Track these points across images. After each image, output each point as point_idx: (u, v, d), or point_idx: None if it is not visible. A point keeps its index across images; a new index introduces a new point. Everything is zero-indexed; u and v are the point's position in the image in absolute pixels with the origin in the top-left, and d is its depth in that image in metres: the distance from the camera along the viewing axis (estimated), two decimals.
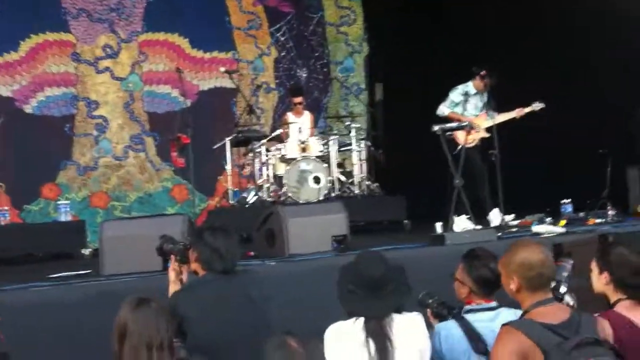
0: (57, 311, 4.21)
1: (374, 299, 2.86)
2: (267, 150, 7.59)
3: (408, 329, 2.87)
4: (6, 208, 7.33)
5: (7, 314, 3.76)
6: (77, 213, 8.03)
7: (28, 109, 8.57)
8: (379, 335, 2.80)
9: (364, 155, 7.92)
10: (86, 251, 6.66)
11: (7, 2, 8.46)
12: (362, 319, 2.85)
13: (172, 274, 3.47)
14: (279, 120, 8.73)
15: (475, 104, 7.10)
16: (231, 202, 7.80)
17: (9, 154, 8.03)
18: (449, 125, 6.41)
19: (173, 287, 3.43)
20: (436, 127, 6.06)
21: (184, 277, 3.46)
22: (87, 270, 5.19)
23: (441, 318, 3.17)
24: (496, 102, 6.99)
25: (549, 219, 6.18)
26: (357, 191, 7.70)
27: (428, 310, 3.23)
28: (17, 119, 8.36)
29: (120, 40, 9.07)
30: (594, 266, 3.01)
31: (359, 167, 7.84)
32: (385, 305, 2.87)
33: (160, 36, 9.26)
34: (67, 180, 8.62)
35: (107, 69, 8.99)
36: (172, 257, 3.49)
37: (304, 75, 9.91)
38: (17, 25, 8.56)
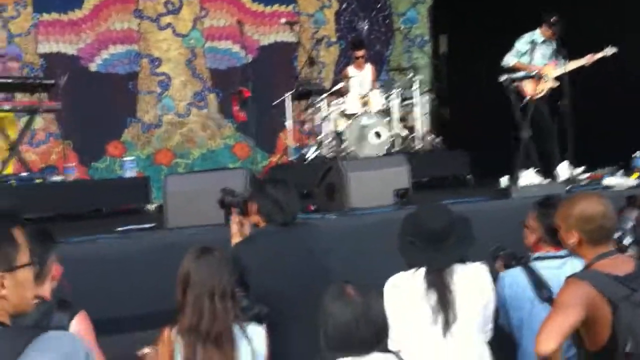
0: (123, 262, 4.29)
1: (434, 251, 2.81)
2: (328, 105, 7.50)
3: (471, 280, 2.82)
4: (73, 164, 7.52)
5: (74, 265, 3.84)
6: (142, 170, 8.17)
7: (93, 67, 8.72)
8: (439, 286, 2.76)
9: (427, 108, 7.74)
10: (151, 207, 6.75)
11: None
12: (422, 270, 2.80)
13: (234, 227, 3.49)
14: (340, 75, 8.61)
15: (543, 53, 6.79)
16: (291, 158, 7.78)
17: (74, 112, 8.17)
18: (516, 74, 6.18)
19: (235, 239, 3.46)
20: (503, 77, 5.86)
21: (246, 229, 3.47)
22: (152, 224, 5.27)
23: (510, 268, 3.11)
24: (566, 49, 6.67)
25: (620, 172, 5.92)
26: (419, 146, 7.55)
27: (498, 262, 3.17)
28: (82, 77, 8.47)
29: None
30: None
31: (421, 122, 7.68)
32: (446, 257, 2.82)
33: None
34: (131, 138, 8.78)
35: (168, 25, 9.03)
36: (233, 209, 3.50)
37: (366, 27, 9.73)
38: None
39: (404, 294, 2.81)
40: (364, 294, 2.25)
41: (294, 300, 3.08)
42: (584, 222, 2.45)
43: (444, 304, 2.74)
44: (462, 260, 2.85)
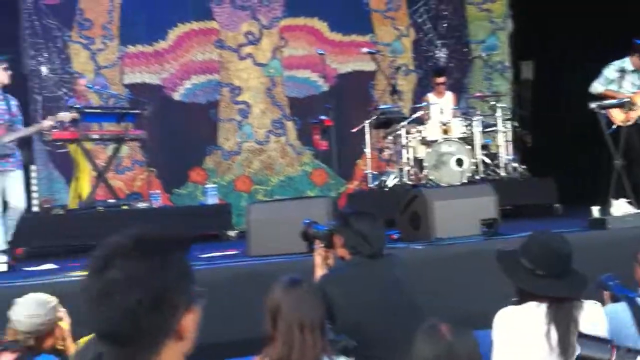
0: (209, 290, 4.31)
1: (559, 280, 2.59)
2: (407, 132, 7.43)
3: (589, 318, 2.59)
4: (158, 191, 7.69)
5: None
6: (222, 196, 8.29)
7: (176, 96, 8.95)
8: (562, 322, 2.52)
9: (510, 136, 7.56)
10: (232, 233, 6.84)
11: None
12: (544, 304, 2.58)
13: (318, 259, 3.47)
14: (419, 102, 8.55)
15: (632, 82, 6.58)
16: (371, 185, 7.73)
17: (158, 140, 8.40)
18: (607, 102, 5.98)
19: (319, 271, 3.44)
20: (593, 105, 5.66)
21: (330, 261, 3.45)
22: (235, 251, 5.31)
23: (617, 301, 2.93)
24: None
25: None
26: (503, 173, 7.37)
27: (606, 293, 2.97)
28: (166, 106, 8.73)
29: (262, 27, 9.25)
30: None
31: (504, 149, 7.50)
32: (572, 288, 2.60)
33: (300, 21, 9.35)
34: (213, 165, 8.94)
35: (249, 55, 9.20)
36: (317, 241, 3.47)
37: (444, 56, 9.65)
38: (165, 15, 8.96)
39: (519, 328, 2.60)
40: (454, 331, 2.15)
41: (381, 332, 3.03)
42: None
43: (565, 343, 2.50)
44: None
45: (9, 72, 5.86)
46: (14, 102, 5.90)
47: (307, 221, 3.63)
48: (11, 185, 5.73)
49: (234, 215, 7.44)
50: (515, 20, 9.64)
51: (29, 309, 3.01)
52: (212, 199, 7.41)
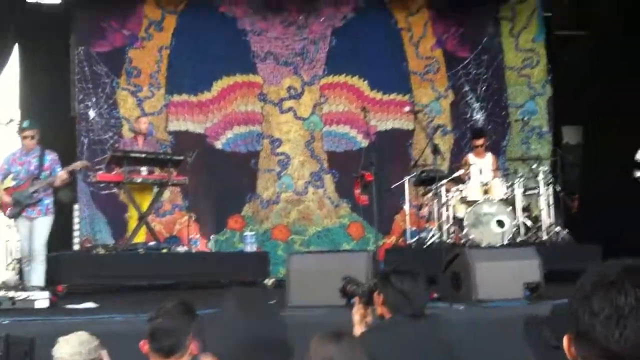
0: (249, 337, 4.30)
1: None
2: (447, 190, 7.44)
3: None
4: (198, 236, 7.76)
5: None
6: (259, 244, 8.34)
7: (218, 145, 9.11)
8: None
9: (552, 199, 7.51)
10: (269, 281, 6.84)
11: (202, 46, 9.11)
12: None
13: (356, 316, 3.39)
14: (456, 162, 8.57)
15: None
16: (408, 241, 7.70)
17: (199, 186, 8.52)
18: None
19: (358, 329, 3.36)
20: (638, 173, 5.60)
21: (369, 319, 3.38)
22: (273, 301, 5.29)
23: None
24: None
25: None
26: (544, 237, 7.30)
27: None
28: (208, 154, 8.88)
29: (304, 83, 9.44)
30: None
31: (546, 212, 7.45)
32: None
33: (341, 78, 9.53)
34: (251, 213, 9.01)
35: (290, 109, 9.36)
36: (357, 298, 3.42)
37: (482, 118, 9.71)
38: (211, 68, 9.21)
39: None
40: None
41: None
42: None
43: None
44: None
45: (35, 139, 6.50)
46: (49, 157, 6.52)
47: (347, 277, 3.57)
48: (35, 231, 6.33)
49: (270, 264, 7.46)
50: (555, 85, 9.69)
51: (72, 348, 3.03)
52: (251, 247, 7.45)
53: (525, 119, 9.34)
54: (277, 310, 4.96)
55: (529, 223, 7.44)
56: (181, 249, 7.07)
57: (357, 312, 3.38)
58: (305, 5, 9.46)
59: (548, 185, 7.55)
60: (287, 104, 9.37)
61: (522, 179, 7.53)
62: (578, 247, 7.19)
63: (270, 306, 5.04)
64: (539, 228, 7.38)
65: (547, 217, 7.42)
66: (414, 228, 7.96)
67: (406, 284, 3.15)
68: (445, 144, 9.51)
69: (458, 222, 7.27)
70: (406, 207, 7.84)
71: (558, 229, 7.39)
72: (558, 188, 7.76)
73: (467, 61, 9.72)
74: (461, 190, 7.39)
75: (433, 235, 7.35)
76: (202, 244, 8.32)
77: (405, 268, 3.45)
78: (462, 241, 7.02)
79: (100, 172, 7.11)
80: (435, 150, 6.86)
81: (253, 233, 7.90)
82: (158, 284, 6.54)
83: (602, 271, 1.26)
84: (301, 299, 4.98)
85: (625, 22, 8.40)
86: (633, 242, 6.16)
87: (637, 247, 5.95)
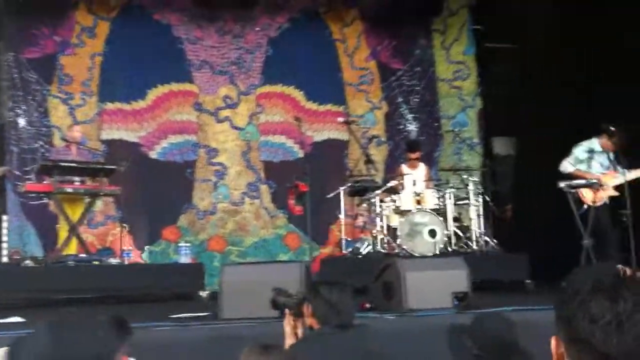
0: (180, 351, 4.27)
1: None
2: (381, 201, 7.55)
3: None
4: (131, 248, 7.64)
5: (133, 350, 3.84)
6: (195, 256, 8.25)
7: (153, 154, 9.00)
8: None
9: (481, 210, 7.72)
10: (204, 293, 6.78)
11: (136, 54, 8.99)
12: None
13: (287, 328, 3.41)
14: (391, 172, 8.71)
15: (601, 162, 6.78)
16: (344, 251, 7.78)
17: (133, 196, 8.39)
18: (576, 182, 6.15)
19: (289, 340, 3.37)
20: (562, 184, 5.83)
21: (299, 331, 3.40)
22: (207, 313, 5.26)
23: None
24: (627, 159, 6.64)
25: None
26: (474, 247, 7.49)
27: None
28: (143, 164, 8.78)
29: (240, 92, 9.42)
30: None
31: (476, 222, 7.64)
32: None
33: (277, 88, 9.56)
34: (187, 224, 8.92)
35: (226, 118, 9.33)
36: (287, 310, 3.44)
37: (415, 129, 9.89)
38: (145, 75, 9.10)
39: None
40: None
41: None
42: None
43: None
44: None
45: None
46: None
47: (277, 289, 3.58)
48: None
49: (207, 275, 7.39)
50: (484, 98, 9.96)
51: None
52: (186, 258, 7.37)
53: (457, 130, 9.58)
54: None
55: (459, 233, 7.62)
56: (114, 260, 6.94)
57: (287, 324, 3.39)
58: (241, 14, 9.46)
59: (478, 195, 7.75)
60: (223, 113, 9.34)
61: (453, 190, 7.71)
62: (506, 256, 7.38)
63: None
64: (469, 238, 7.57)
65: (476, 227, 7.61)
66: (349, 238, 8.03)
67: (334, 295, 3.19)
68: (380, 154, 9.65)
69: (392, 231, 7.38)
70: (342, 217, 7.92)
71: (487, 239, 7.58)
72: (488, 198, 7.97)
73: (400, 73, 9.90)
74: (395, 201, 7.51)
75: (367, 245, 7.44)
76: (135, 256, 8.18)
77: (334, 279, 3.49)
78: (396, 251, 7.12)
79: (30, 182, 6.92)
80: (369, 161, 6.95)
81: (188, 244, 7.82)
82: (89, 297, 6.40)
83: (597, 277, 1.29)
84: (235, 311, 4.96)
85: (551, 35, 8.71)
86: (559, 252, 6.40)
87: (562, 256, 6.20)
